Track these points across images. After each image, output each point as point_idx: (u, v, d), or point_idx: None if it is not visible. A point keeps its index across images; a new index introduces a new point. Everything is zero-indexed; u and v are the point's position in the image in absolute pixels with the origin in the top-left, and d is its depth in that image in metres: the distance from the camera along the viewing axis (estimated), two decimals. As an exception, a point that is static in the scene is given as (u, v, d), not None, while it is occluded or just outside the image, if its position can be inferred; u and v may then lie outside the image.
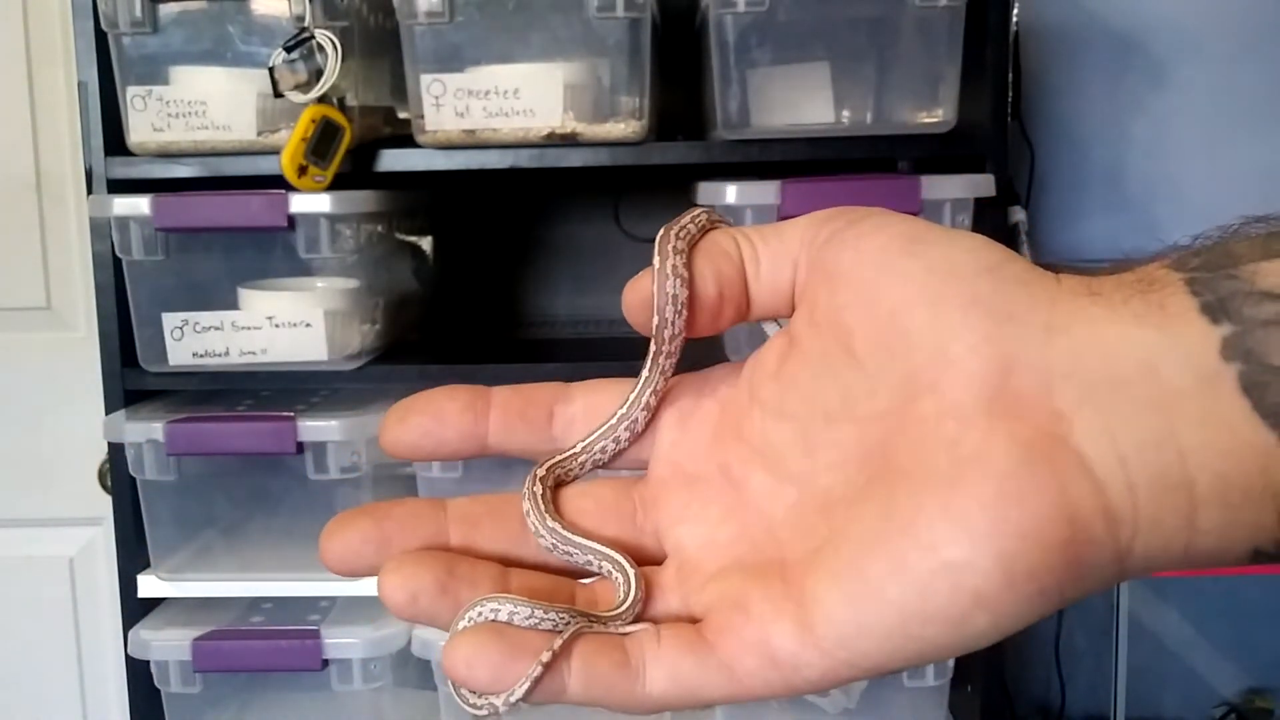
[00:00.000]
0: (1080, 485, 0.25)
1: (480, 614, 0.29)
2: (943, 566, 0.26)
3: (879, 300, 0.29)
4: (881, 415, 0.28)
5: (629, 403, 0.33)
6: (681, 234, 0.32)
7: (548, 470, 0.33)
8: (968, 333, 0.27)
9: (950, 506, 0.26)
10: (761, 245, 0.32)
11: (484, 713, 0.28)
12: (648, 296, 0.32)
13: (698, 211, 0.34)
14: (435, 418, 0.33)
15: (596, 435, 0.33)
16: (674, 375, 0.33)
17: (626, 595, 0.30)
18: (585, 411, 0.34)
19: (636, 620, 0.30)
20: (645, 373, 0.33)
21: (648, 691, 0.29)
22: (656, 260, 0.31)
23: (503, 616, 0.29)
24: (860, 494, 0.29)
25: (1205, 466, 0.25)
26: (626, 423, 0.33)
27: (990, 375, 0.26)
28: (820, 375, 0.30)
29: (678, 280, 0.31)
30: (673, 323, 0.32)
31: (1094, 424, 0.25)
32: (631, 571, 0.31)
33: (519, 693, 0.28)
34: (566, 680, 0.28)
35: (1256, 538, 0.25)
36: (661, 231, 0.32)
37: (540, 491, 0.32)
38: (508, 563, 0.32)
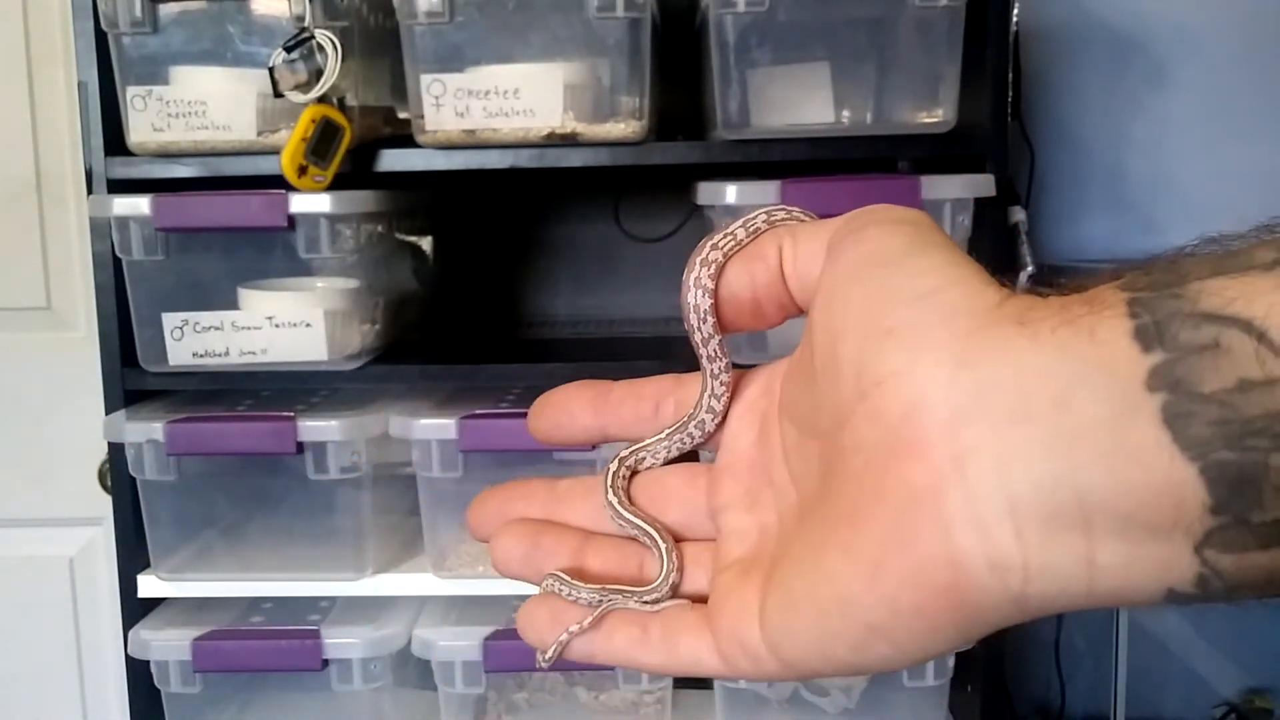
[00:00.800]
0: (964, 533, 0.25)
1: (545, 586, 0.36)
2: (838, 596, 0.28)
3: (830, 323, 0.29)
4: (828, 436, 0.29)
5: (695, 406, 0.36)
6: (722, 243, 0.33)
7: (629, 453, 0.38)
8: (880, 367, 0.27)
9: (849, 541, 0.27)
10: (804, 243, 0.32)
11: (540, 665, 0.36)
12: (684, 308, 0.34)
13: (754, 214, 0.34)
14: (564, 412, 0.37)
15: (672, 430, 0.37)
16: (734, 371, 0.36)
17: (660, 572, 0.35)
18: (676, 408, 0.37)
19: (675, 591, 0.35)
20: (702, 379, 0.36)
21: (657, 661, 0.34)
22: (684, 273, 0.34)
23: (555, 590, 0.35)
24: (810, 509, 0.30)
25: (1105, 504, 0.24)
26: (695, 422, 0.36)
27: (895, 413, 0.26)
28: (804, 386, 0.31)
29: (699, 291, 0.33)
30: (699, 329, 0.34)
31: (988, 467, 0.25)
32: (664, 548, 0.35)
33: (550, 654, 0.35)
34: (593, 647, 0.35)
35: (1168, 577, 0.24)
36: (699, 244, 0.34)
37: (616, 470, 0.37)
38: (593, 533, 0.37)
